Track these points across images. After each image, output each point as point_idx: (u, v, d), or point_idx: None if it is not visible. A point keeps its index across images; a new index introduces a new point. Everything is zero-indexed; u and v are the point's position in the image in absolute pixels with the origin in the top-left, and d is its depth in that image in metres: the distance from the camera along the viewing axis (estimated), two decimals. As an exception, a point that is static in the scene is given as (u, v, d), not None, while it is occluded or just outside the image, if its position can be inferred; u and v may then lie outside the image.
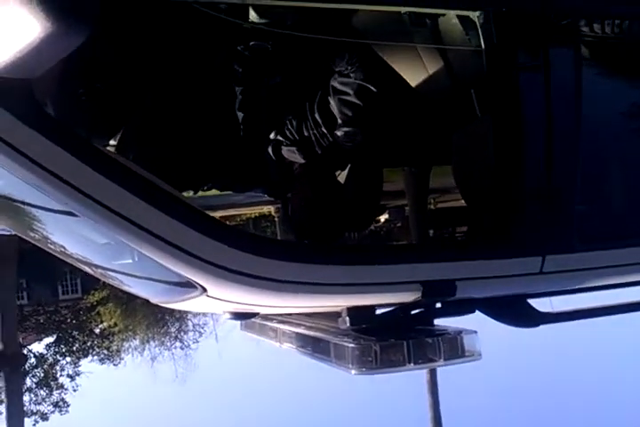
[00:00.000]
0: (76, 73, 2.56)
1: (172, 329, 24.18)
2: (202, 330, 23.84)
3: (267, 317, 2.90)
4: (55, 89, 2.44)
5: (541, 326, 2.45)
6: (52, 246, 2.58)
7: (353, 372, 2.08)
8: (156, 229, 1.79)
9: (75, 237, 2.34)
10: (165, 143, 2.92)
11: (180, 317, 23.79)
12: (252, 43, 2.77)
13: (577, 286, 2.46)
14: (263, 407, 22.49)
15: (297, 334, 2.63)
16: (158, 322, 23.75)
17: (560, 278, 2.23)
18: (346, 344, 2.12)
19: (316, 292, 1.99)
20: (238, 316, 2.32)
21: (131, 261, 2.16)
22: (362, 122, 2.64)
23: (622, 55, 2.43)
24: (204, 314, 23.08)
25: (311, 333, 2.49)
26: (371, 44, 2.58)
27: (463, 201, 2.63)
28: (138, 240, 1.82)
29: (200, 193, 3.28)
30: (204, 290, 1.95)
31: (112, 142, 3.06)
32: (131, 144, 2.93)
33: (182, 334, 24.02)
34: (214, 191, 3.80)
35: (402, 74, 2.72)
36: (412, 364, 2.05)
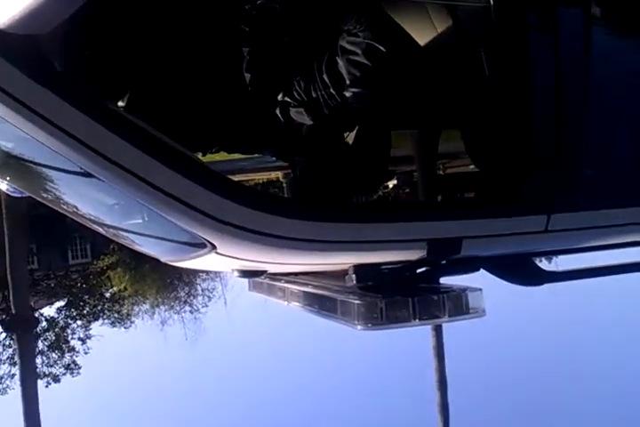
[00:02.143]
0: (81, 34, 2.56)
1: (182, 293, 24.47)
2: (211, 294, 24.14)
3: (274, 277, 2.95)
4: (62, 49, 2.44)
5: (546, 285, 2.48)
6: (64, 207, 2.61)
7: (359, 328, 2.12)
8: (167, 187, 1.82)
9: (87, 196, 2.37)
10: (174, 105, 2.92)
11: (190, 281, 24.07)
12: (259, 1, 2.74)
13: (582, 245, 2.48)
14: (271, 367, 22.84)
15: (304, 292, 2.67)
16: (167, 287, 24.04)
17: (565, 237, 2.25)
18: (352, 301, 2.16)
19: (324, 249, 2.02)
20: (246, 273, 2.35)
21: (141, 220, 2.19)
22: (370, 82, 2.63)
23: (632, 15, 2.40)
24: (213, 279, 23.37)
25: (318, 291, 2.53)
26: (380, 3, 2.55)
27: (472, 167, 2.63)
28: (148, 198, 1.85)
29: (208, 157, 3.29)
30: (214, 247, 1.99)
31: (120, 104, 3.07)
32: (139, 105, 2.93)
33: (191, 298, 24.33)
34: (222, 156, 3.81)
35: (411, 33, 2.70)
36: (417, 320, 2.09)
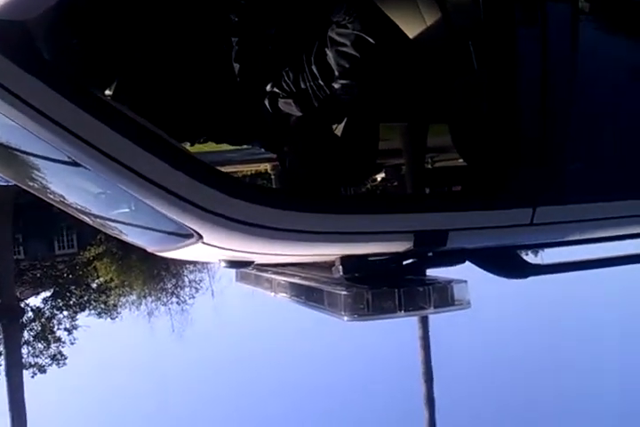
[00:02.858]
0: (69, 21, 2.53)
1: (169, 285, 24.45)
2: (198, 286, 24.13)
3: (262, 268, 2.95)
4: (49, 36, 2.42)
5: (530, 278, 2.50)
6: (51, 196, 2.60)
7: (345, 318, 2.14)
8: (154, 176, 1.81)
9: (74, 185, 2.36)
10: (161, 94, 2.91)
11: (177, 272, 24.04)
12: (248, -9, 2.73)
13: (567, 239, 2.50)
14: (258, 358, 22.90)
15: (291, 283, 2.68)
16: (154, 278, 24.00)
17: (550, 230, 2.26)
18: (339, 292, 2.17)
19: (311, 240, 2.02)
20: (234, 264, 2.36)
21: (128, 209, 2.19)
22: (359, 74, 2.63)
23: (621, 10, 2.42)
24: (200, 271, 23.35)
25: (305, 282, 2.54)
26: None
27: (460, 161, 2.64)
28: (135, 187, 1.84)
29: (196, 148, 3.28)
30: (200, 237, 1.98)
31: (107, 93, 3.05)
32: (126, 94, 2.91)
33: (179, 289, 24.31)
34: (210, 147, 3.80)
35: (400, 25, 2.70)
36: (402, 311, 2.10)
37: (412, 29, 2.72)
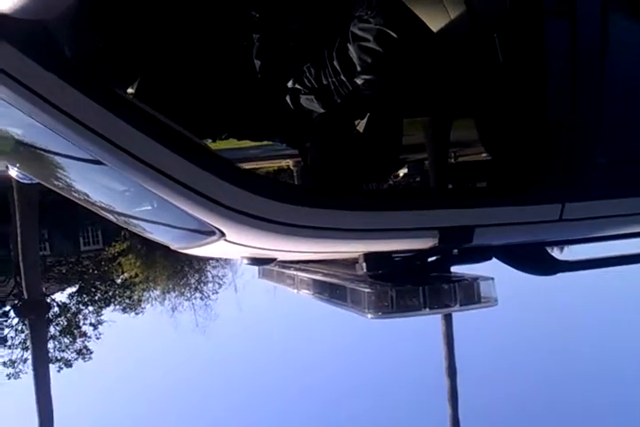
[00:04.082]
0: (91, 20, 2.54)
1: (192, 280, 24.60)
2: (221, 281, 24.24)
3: (284, 265, 2.94)
4: (72, 36, 2.42)
5: (559, 274, 2.45)
6: (75, 194, 2.61)
7: (369, 316, 2.12)
8: (175, 174, 1.81)
9: (98, 184, 2.36)
10: (183, 91, 2.91)
11: (200, 268, 24.18)
12: (270, -13, 2.71)
13: (596, 234, 2.46)
14: (282, 354, 22.99)
15: (314, 280, 2.67)
16: (178, 273, 24.16)
17: (579, 226, 2.22)
18: (362, 289, 2.15)
19: (334, 237, 2.00)
20: (256, 261, 2.35)
21: (151, 207, 2.19)
22: (382, 69, 2.59)
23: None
24: (223, 266, 23.45)
25: (328, 279, 2.52)
26: (392, -13, 2.51)
27: (484, 155, 2.60)
28: (158, 185, 1.83)
29: (218, 144, 3.28)
30: (223, 234, 1.98)
31: (130, 90, 3.06)
32: (148, 92, 2.91)
33: (202, 285, 24.45)
34: (232, 144, 3.79)
35: (423, 19, 2.66)
36: (427, 309, 2.08)
37: (435, 23, 2.68)
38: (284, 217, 1.90)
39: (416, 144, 3.63)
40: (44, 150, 2.24)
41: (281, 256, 2.35)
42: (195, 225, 2.06)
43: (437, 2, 2.59)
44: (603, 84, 2.15)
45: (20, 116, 1.76)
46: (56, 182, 2.60)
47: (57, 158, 2.26)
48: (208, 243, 2.14)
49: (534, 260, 2.42)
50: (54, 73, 1.66)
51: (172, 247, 2.70)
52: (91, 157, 1.84)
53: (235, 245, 2.04)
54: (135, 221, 2.68)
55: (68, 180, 2.50)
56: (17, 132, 2.23)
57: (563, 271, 2.47)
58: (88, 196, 2.61)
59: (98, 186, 2.40)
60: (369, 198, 2.13)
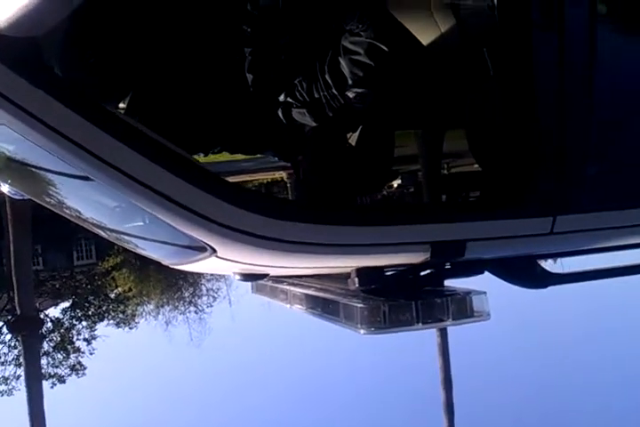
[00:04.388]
0: (82, 36, 2.54)
1: (186, 294, 24.48)
2: (215, 295, 24.14)
3: (277, 279, 2.93)
4: (62, 52, 2.43)
5: (550, 287, 2.45)
6: (66, 211, 2.59)
7: (362, 331, 2.11)
8: (167, 191, 1.81)
9: (88, 200, 2.36)
10: (175, 105, 2.91)
11: (194, 282, 24.08)
12: (261, 1, 2.72)
13: (588, 247, 2.46)
14: (276, 368, 22.87)
15: (307, 295, 2.66)
16: (172, 287, 24.06)
17: (571, 239, 2.22)
18: (355, 304, 2.14)
19: (325, 253, 2.00)
20: (248, 277, 2.34)
21: (142, 223, 2.18)
22: (373, 82, 2.60)
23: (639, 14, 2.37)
24: (218, 279, 23.37)
25: (321, 294, 2.51)
26: (383, 2, 2.52)
27: (476, 166, 2.60)
28: (149, 202, 1.83)
29: (211, 158, 3.27)
30: (214, 251, 1.97)
31: (121, 105, 3.06)
32: (140, 107, 2.91)
33: (196, 298, 24.34)
34: (225, 157, 3.79)
35: (414, 32, 2.67)
36: (420, 324, 2.07)
37: (426, 36, 2.69)
38: (275, 233, 1.90)
39: (409, 155, 3.63)
40: (35, 167, 2.24)
41: (273, 272, 2.34)
42: (186, 241, 2.05)
43: (428, 16, 2.61)
44: (592, 97, 2.16)
45: (9, 133, 1.76)
46: (48, 199, 2.59)
47: (48, 175, 2.25)
48: (200, 259, 2.13)
49: (526, 273, 2.42)
50: (43, 89, 1.66)
51: (163, 263, 2.68)
52: (81, 174, 1.84)
53: (226, 261, 2.03)
54: (127, 238, 2.67)
55: (59, 196, 2.49)
56: (7, 148, 2.22)
57: (554, 284, 2.48)
58: (80, 212, 2.60)
59: (89, 202, 2.39)
60: (361, 213, 2.12)
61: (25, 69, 1.64)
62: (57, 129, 1.68)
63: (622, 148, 2.31)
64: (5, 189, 2.81)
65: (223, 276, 21.74)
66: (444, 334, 11.55)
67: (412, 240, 2.04)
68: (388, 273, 2.20)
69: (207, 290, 24.31)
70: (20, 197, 2.92)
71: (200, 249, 2.01)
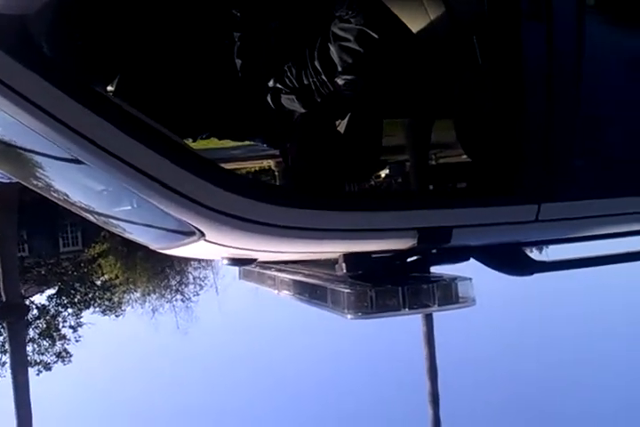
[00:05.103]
0: (70, 16, 2.52)
1: (173, 282, 24.48)
2: (202, 283, 24.14)
3: (265, 265, 2.94)
4: (50, 32, 2.40)
5: (535, 275, 2.48)
6: (54, 194, 2.59)
7: (349, 316, 2.12)
8: (155, 173, 1.80)
9: (77, 184, 2.35)
10: (163, 90, 2.90)
11: (181, 270, 24.07)
12: (251, -13, 2.71)
13: (572, 235, 2.48)
14: (262, 355, 22.95)
15: (294, 281, 2.67)
16: (159, 275, 24.03)
17: (555, 227, 2.25)
18: (342, 290, 2.15)
19: (313, 237, 2.01)
20: (236, 262, 2.35)
21: (131, 207, 2.18)
22: (362, 69, 2.60)
23: (629, 4, 2.39)
24: (205, 268, 23.37)
25: (308, 280, 2.53)
26: (372, -11, 2.52)
27: (464, 157, 2.62)
28: (137, 184, 1.83)
29: (200, 144, 3.27)
30: (202, 235, 1.97)
31: (109, 88, 3.04)
32: (128, 90, 2.90)
33: (183, 286, 24.34)
34: (214, 144, 3.78)
35: (403, 20, 2.67)
36: (406, 309, 2.09)
37: (415, 24, 2.70)
38: (264, 217, 1.91)
39: (397, 145, 3.64)
40: (24, 149, 2.22)
41: (261, 257, 2.35)
42: (174, 225, 2.05)
43: (418, 3, 2.61)
44: (579, 86, 2.17)
45: (-1, 115, 1.75)
46: (35, 182, 2.57)
47: (36, 157, 2.24)
48: (188, 243, 2.13)
49: (511, 260, 2.44)
50: (34, 70, 1.65)
51: (151, 247, 2.68)
52: (70, 156, 1.83)
53: (215, 245, 2.04)
54: (115, 222, 2.66)
55: (47, 179, 2.48)
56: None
57: (539, 272, 2.50)
58: (68, 195, 2.59)
59: (78, 185, 2.38)
60: (349, 199, 2.14)
61: (15, 50, 1.63)
62: (47, 110, 1.67)
63: (608, 137, 2.34)
64: (-8, 172, 2.79)
65: (210, 264, 21.75)
66: (429, 322, 11.63)
67: (399, 226, 2.06)
68: (376, 259, 2.21)
69: (194, 278, 24.34)
70: (8, 181, 2.90)
71: (188, 233, 2.01)
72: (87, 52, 2.72)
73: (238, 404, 22.35)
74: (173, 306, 23.63)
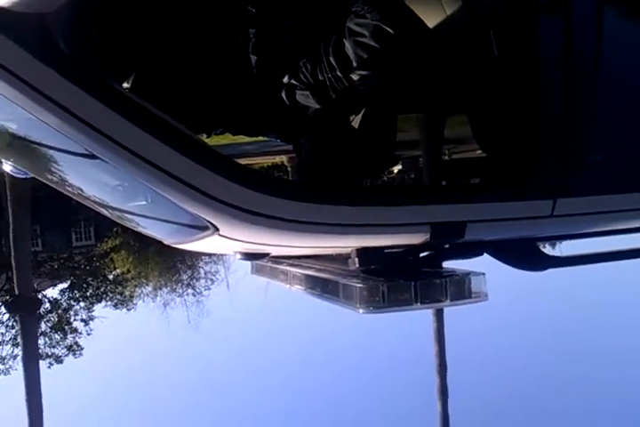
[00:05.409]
0: (87, 14, 2.54)
1: (184, 276, 24.57)
2: (213, 278, 24.22)
3: (277, 260, 2.95)
4: (67, 29, 2.42)
5: (549, 270, 2.47)
6: (69, 189, 2.61)
7: (361, 311, 2.13)
8: (170, 169, 1.81)
9: (93, 178, 2.36)
10: (179, 86, 2.91)
11: (192, 264, 24.14)
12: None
13: (587, 230, 2.48)
14: (273, 350, 23.02)
15: (307, 276, 2.68)
16: (170, 269, 24.12)
17: (571, 222, 2.24)
18: (354, 284, 2.16)
19: (326, 232, 2.01)
20: (249, 256, 2.36)
21: (146, 201, 2.19)
22: (378, 65, 2.60)
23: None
24: (216, 262, 23.43)
25: (320, 274, 2.53)
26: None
27: (478, 152, 2.61)
28: (152, 179, 1.84)
29: (213, 140, 3.28)
30: (216, 229, 1.98)
31: (125, 85, 3.05)
32: (143, 88, 2.91)
33: (194, 281, 24.42)
34: (226, 140, 3.79)
35: (419, 15, 2.66)
36: (418, 303, 2.09)
37: (431, 19, 2.68)
38: (277, 211, 1.91)
39: (410, 141, 3.64)
40: (40, 144, 2.24)
41: (274, 251, 2.36)
42: (188, 220, 2.06)
43: (434, -2, 2.60)
44: (596, 81, 2.16)
45: (16, 111, 1.76)
46: (51, 177, 2.60)
47: (52, 153, 2.26)
48: (202, 237, 2.14)
49: (525, 255, 2.44)
50: (52, 67, 1.66)
51: (165, 242, 2.70)
52: (86, 152, 1.85)
53: (228, 239, 2.05)
54: (129, 216, 2.68)
55: (63, 174, 2.50)
56: (12, 126, 2.23)
57: (553, 267, 2.49)
58: (83, 190, 2.61)
59: (93, 180, 2.40)
60: (362, 194, 2.14)
61: (33, 46, 1.64)
62: (64, 106, 1.68)
63: (625, 132, 2.32)
64: (8, 167, 2.82)
65: (221, 259, 21.81)
66: (439, 318, 11.61)
67: (412, 221, 2.05)
68: (388, 254, 2.21)
69: (205, 273, 24.40)
70: (24, 176, 2.93)
71: (203, 227, 2.02)
72: (103, 49, 2.73)
73: (248, 398, 22.44)
74: (185, 300, 23.74)
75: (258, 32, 2.86)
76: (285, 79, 2.82)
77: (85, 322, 21.44)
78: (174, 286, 24.25)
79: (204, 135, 3.15)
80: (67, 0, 1.61)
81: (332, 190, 2.08)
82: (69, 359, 20.35)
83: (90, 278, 22.76)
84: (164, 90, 2.88)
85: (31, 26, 1.61)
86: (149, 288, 23.99)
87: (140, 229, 2.77)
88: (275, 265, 3.01)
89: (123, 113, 1.75)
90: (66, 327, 21.11)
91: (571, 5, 2.07)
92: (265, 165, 13.71)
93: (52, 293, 21.90)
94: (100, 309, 22.06)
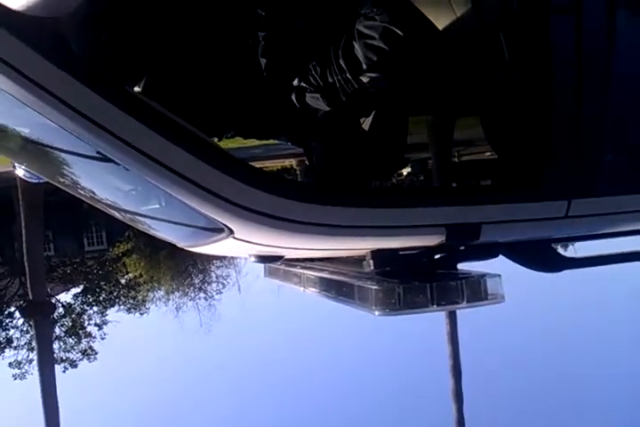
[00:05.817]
0: (99, 18, 2.55)
1: (196, 280, 24.65)
2: (225, 281, 24.28)
3: (290, 263, 2.95)
4: (80, 33, 2.43)
5: (565, 271, 2.46)
6: (83, 193, 2.62)
7: (376, 313, 2.12)
8: (184, 171, 1.82)
9: (105, 181, 2.37)
10: (190, 89, 2.92)
11: (204, 268, 24.22)
12: (276, -14, 2.71)
13: (602, 231, 2.46)
14: (285, 353, 23.04)
15: (321, 278, 2.67)
16: (182, 274, 24.21)
17: (586, 223, 2.23)
18: (369, 287, 2.15)
19: (342, 234, 2.01)
20: (263, 259, 2.35)
21: (160, 205, 2.20)
22: (387, 67, 2.60)
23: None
24: (227, 266, 23.48)
25: (335, 277, 2.53)
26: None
27: (487, 154, 2.60)
28: (166, 182, 1.84)
29: (222, 143, 3.28)
30: (231, 232, 1.98)
31: (136, 89, 3.07)
32: (155, 91, 2.92)
33: (206, 285, 24.49)
34: (236, 143, 3.80)
35: (429, 17, 2.66)
36: (434, 306, 2.08)
37: (441, 21, 2.68)
38: (292, 214, 1.91)
39: (419, 143, 3.63)
40: (53, 148, 2.25)
41: (288, 254, 2.35)
42: (203, 223, 2.06)
43: (444, 0, 2.59)
44: (609, 81, 2.15)
45: (29, 114, 1.77)
46: (64, 181, 2.61)
47: (66, 156, 2.27)
48: (216, 240, 2.14)
49: (540, 257, 2.42)
50: (65, 71, 1.67)
51: (179, 246, 2.70)
52: (100, 155, 1.85)
53: (243, 242, 2.05)
54: (143, 219, 2.69)
55: (76, 178, 2.51)
56: (26, 130, 2.25)
57: (569, 268, 2.48)
58: (96, 194, 2.62)
59: (107, 184, 2.41)
60: (377, 196, 2.13)
61: (47, 50, 1.65)
62: (79, 110, 1.69)
63: (638, 132, 2.30)
64: (21, 172, 2.83)
65: (233, 263, 21.86)
66: (453, 321, 11.57)
67: (427, 223, 2.05)
68: (403, 256, 2.21)
69: (217, 277, 24.48)
70: (37, 180, 2.94)
71: (217, 230, 2.03)
72: (115, 53, 2.75)
73: (261, 401, 22.44)
74: (196, 304, 23.81)
75: (267, 35, 2.87)
76: (295, 82, 2.82)
77: (99, 326, 21.55)
78: (186, 290, 24.33)
79: (216, 139, 3.16)
80: (79, 4, 1.61)
81: (347, 193, 2.08)
82: (84, 363, 20.45)
83: (102, 283, 22.86)
84: (175, 93, 2.88)
85: (44, 29, 1.62)
86: (162, 292, 24.09)
87: (153, 233, 2.78)
88: (288, 268, 3.01)
89: (136, 116, 1.76)
90: (80, 332, 21.21)
91: (582, 5, 2.06)
92: (274, 168, 13.73)
93: (66, 297, 22.04)
94: (113, 313, 22.18)
